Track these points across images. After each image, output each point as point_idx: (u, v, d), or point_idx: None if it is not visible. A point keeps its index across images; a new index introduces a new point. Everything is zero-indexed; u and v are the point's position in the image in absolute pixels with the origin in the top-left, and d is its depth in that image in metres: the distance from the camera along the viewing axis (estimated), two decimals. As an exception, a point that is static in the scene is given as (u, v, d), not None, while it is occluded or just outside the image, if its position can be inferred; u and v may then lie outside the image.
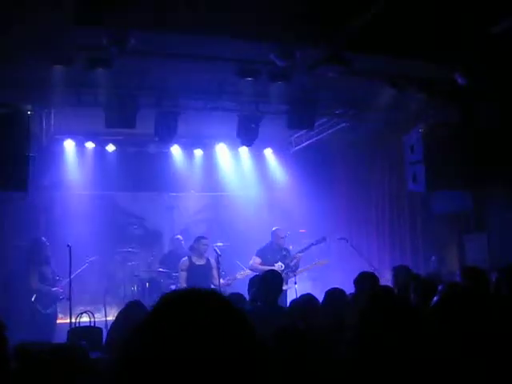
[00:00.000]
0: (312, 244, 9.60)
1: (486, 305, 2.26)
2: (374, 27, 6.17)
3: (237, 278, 9.41)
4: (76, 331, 6.56)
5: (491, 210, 8.46)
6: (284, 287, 8.84)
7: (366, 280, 5.58)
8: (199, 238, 9.38)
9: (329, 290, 5.10)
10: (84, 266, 9.25)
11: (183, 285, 8.92)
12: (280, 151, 12.40)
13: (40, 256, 8.66)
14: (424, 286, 4.90)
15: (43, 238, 8.88)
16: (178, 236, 10.94)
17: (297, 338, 2.61)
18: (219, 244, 10.21)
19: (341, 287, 5.22)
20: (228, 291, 7.97)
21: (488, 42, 6.63)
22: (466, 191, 8.52)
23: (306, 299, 5.01)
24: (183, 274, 9.17)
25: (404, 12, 6.00)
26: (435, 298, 2.47)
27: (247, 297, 6.11)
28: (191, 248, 9.42)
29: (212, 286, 8.95)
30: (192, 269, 9.16)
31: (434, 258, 9.11)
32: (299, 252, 9.56)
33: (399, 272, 6.25)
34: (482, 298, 2.35)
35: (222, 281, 9.01)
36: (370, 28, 6.18)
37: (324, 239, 9.70)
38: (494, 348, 2.06)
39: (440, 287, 3.22)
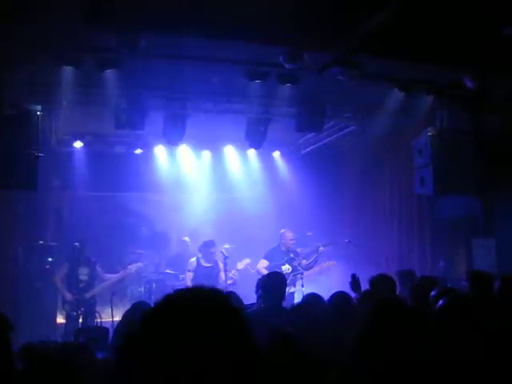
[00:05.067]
0: (318, 247, 9.54)
1: (489, 311, 2.23)
2: (385, 30, 6.16)
3: (239, 269, 9.36)
4: (82, 331, 6.57)
5: (500, 215, 8.40)
6: (292, 290, 8.81)
7: (383, 282, 5.45)
8: (207, 244, 9.30)
9: (334, 293, 5.06)
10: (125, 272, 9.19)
11: (189, 285, 8.91)
12: (288, 154, 12.39)
13: (76, 256, 8.58)
14: (421, 286, 4.86)
15: (85, 240, 8.81)
16: (185, 238, 10.94)
17: (284, 341, 2.60)
18: (226, 246, 10.18)
19: (347, 291, 5.19)
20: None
21: (500, 45, 6.58)
22: (474, 196, 8.47)
23: (311, 299, 4.95)
24: (189, 275, 9.18)
25: (414, 15, 5.98)
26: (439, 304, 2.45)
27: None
28: (200, 249, 9.40)
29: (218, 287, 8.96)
30: (199, 270, 9.17)
31: (441, 262, 9.05)
32: (323, 246, 9.45)
33: (404, 276, 6.17)
34: (484, 305, 2.32)
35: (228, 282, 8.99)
36: (380, 31, 6.17)
37: (330, 244, 9.68)
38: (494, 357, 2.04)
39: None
